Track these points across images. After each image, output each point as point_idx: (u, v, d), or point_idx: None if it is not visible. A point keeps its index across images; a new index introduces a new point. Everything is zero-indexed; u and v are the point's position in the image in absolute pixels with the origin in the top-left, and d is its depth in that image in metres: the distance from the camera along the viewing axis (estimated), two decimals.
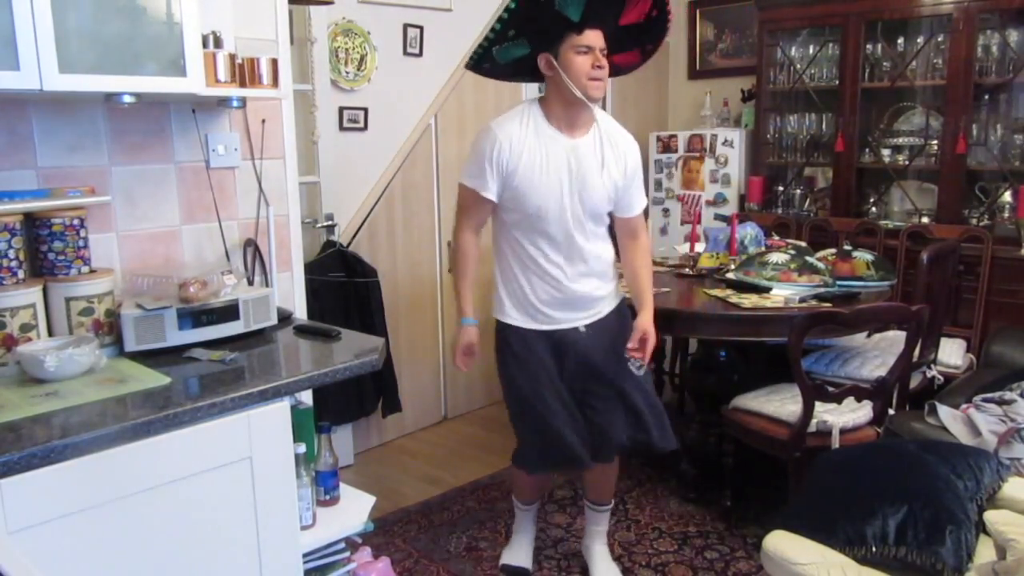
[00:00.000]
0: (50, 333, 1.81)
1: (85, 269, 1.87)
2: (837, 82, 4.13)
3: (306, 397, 2.19)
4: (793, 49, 4.36)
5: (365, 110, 3.57)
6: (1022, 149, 3.76)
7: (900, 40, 4.04)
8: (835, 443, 2.58)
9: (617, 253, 2.51)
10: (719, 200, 4.58)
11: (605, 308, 2.42)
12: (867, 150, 4.20)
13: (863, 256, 3.10)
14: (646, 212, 2.50)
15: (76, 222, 1.85)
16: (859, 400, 2.67)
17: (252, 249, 2.28)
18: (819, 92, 4.27)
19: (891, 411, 2.69)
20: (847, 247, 3.21)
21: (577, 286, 2.34)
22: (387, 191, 3.71)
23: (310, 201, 3.29)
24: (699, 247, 3.52)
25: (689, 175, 4.68)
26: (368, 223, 3.64)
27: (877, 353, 3.11)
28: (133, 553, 1.53)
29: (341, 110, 3.47)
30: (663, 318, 2.54)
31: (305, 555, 1.87)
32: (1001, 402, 2.44)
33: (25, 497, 1.37)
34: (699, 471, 3.21)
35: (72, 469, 1.42)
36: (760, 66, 4.41)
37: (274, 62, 2.04)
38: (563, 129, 2.27)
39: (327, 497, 2.05)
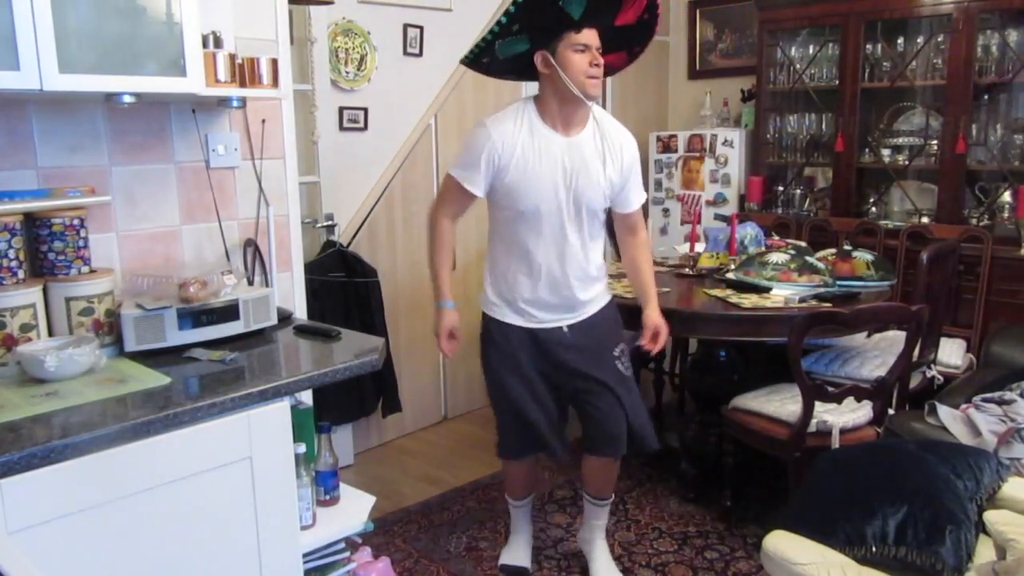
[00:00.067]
0: (50, 333, 1.81)
1: (85, 269, 1.87)
2: (837, 82, 4.13)
3: (306, 397, 2.19)
4: (793, 49, 4.36)
5: (365, 110, 3.57)
6: (1022, 149, 3.75)
7: (900, 40, 4.04)
8: (835, 443, 2.58)
9: (617, 251, 2.51)
10: (719, 200, 4.57)
11: (591, 309, 2.43)
12: (867, 150, 4.20)
13: (863, 256, 3.10)
14: (645, 211, 2.51)
15: (76, 222, 1.85)
16: (859, 400, 2.67)
17: (252, 249, 2.28)
18: (819, 92, 4.27)
19: (891, 411, 2.69)
20: (847, 247, 3.21)
21: (565, 286, 2.35)
22: (387, 191, 3.71)
23: (310, 201, 3.29)
24: (699, 247, 3.52)
25: (689, 175, 4.68)
26: (368, 223, 3.64)
27: (877, 353, 3.11)
28: (133, 553, 1.53)
29: (341, 110, 3.47)
30: (663, 318, 2.53)
31: (305, 555, 1.87)
32: (1001, 402, 2.43)
33: (25, 497, 1.37)
34: (699, 471, 3.21)
35: (72, 469, 1.42)
36: (760, 66, 4.41)
37: (274, 62, 2.04)
38: (558, 127, 2.28)
39: (327, 497, 2.06)
